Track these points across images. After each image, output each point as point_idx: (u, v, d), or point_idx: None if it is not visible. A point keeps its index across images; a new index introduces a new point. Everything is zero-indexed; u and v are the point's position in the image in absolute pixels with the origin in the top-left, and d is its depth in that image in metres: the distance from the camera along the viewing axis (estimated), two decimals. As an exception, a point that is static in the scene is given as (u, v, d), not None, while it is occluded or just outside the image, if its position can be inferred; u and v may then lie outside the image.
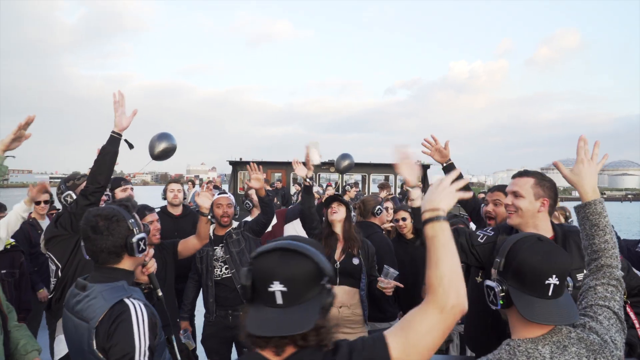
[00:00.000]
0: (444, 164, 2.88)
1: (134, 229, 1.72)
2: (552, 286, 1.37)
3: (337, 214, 3.31)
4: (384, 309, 3.55)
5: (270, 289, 1.13)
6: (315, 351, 1.15)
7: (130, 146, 2.87)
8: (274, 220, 4.34)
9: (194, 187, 14.01)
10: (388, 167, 17.27)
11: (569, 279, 1.45)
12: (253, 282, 1.16)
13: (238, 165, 16.80)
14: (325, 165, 16.75)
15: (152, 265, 2.30)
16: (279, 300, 1.13)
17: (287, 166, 16.70)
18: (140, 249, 1.72)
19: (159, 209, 4.20)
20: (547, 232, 2.10)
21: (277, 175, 16.97)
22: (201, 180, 15.43)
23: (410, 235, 3.88)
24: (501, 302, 1.41)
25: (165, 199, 4.63)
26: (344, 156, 6.53)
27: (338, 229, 3.32)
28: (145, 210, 3.10)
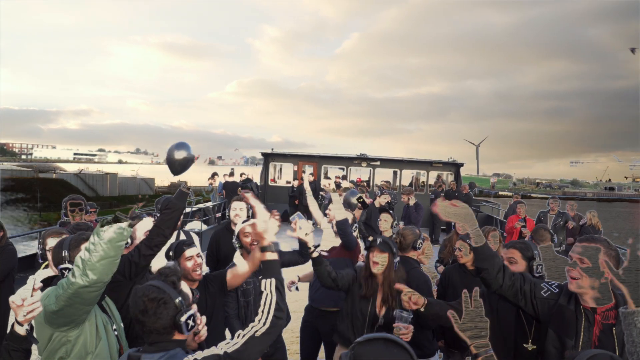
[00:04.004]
0: None
1: (182, 308, 1.71)
2: None
3: (378, 266, 3.09)
4: (421, 346, 3.38)
5: None
6: None
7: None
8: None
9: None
10: (419, 164, 17.07)
11: None
12: None
13: (270, 157, 16.99)
14: (357, 160, 16.72)
15: (204, 334, 2.20)
16: None
17: (318, 159, 16.81)
18: (189, 327, 1.72)
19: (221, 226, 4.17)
20: (608, 300, 2.19)
21: (309, 167, 17.07)
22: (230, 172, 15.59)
23: (470, 267, 3.57)
24: None
25: (228, 216, 4.66)
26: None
27: (379, 277, 3.15)
28: (183, 245, 2.88)
